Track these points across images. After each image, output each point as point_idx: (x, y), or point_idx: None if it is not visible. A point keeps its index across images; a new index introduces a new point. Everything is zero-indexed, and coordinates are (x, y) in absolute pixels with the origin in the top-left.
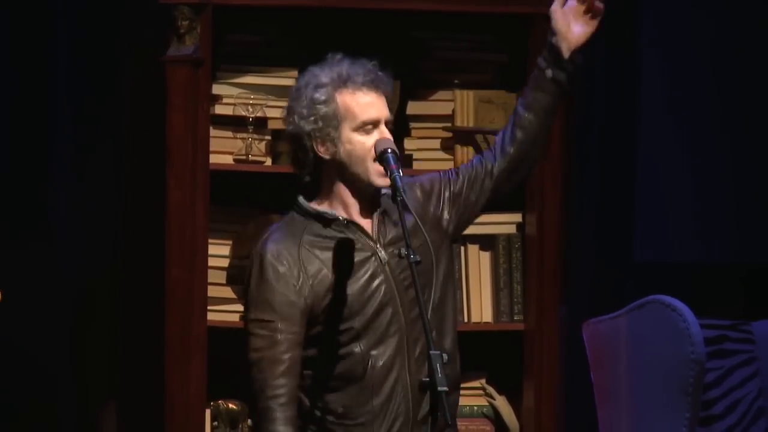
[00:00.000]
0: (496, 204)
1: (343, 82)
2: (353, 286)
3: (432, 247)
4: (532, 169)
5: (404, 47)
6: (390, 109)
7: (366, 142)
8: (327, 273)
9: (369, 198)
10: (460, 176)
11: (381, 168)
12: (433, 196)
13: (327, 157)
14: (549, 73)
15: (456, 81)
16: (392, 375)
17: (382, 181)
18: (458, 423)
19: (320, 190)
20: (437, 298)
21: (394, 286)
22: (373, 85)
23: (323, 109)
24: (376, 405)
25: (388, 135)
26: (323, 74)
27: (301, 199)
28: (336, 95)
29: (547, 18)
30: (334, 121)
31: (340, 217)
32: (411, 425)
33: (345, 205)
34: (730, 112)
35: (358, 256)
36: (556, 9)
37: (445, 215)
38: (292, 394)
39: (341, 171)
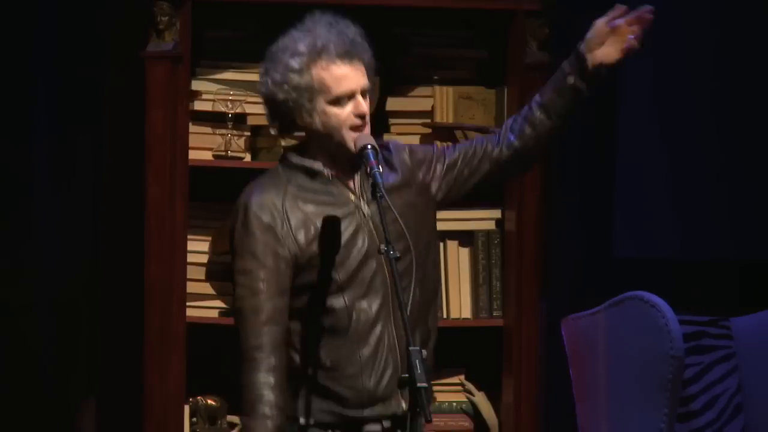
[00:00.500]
0: (475, 196)
1: (317, 53)
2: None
3: (415, 208)
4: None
5: (384, 43)
6: (369, 76)
7: (340, 113)
8: (310, 225)
9: (351, 159)
10: (457, 151)
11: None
12: (424, 164)
13: (302, 125)
14: (571, 79)
15: (435, 77)
16: (378, 327)
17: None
18: (437, 419)
19: (305, 147)
20: (420, 260)
21: (378, 240)
22: (348, 55)
23: (296, 78)
24: (363, 356)
25: (363, 107)
26: (300, 41)
27: (288, 152)
28: (311, 66)
29: (526, 13)
30: (307, 93)
31: (325, 171)
32: (401, 376)
33: (329, 163)
34: (711, 108)
35: (341, 211)
36: (601, 22)
37: (434, 184)
38: (275, 343)
39: (317, 138)
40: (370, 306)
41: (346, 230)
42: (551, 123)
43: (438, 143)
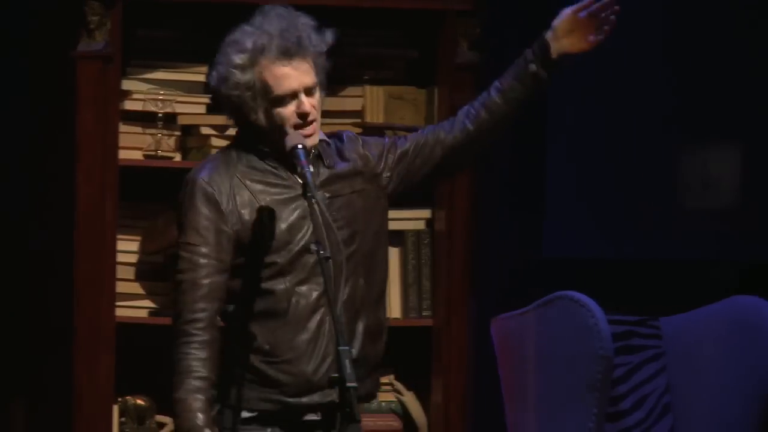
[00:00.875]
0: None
1: (259, 52)
2: (281, 223)
3: (365, 195)
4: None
5: None
6: (317, 72)
7: (283, 112)
8: (256, 204)
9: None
10: (409, 141)
11: (301, 131)
12: (375, 155)
13: (249, 120)
14: (533, 67)
15: (366, 77)
16: (317, 314)
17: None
18: (366, 419)
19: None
20: (367, 248)
21: (322, 230)
22: (290, 53)
23: (239, 75)
24: (301, 342)
25: (305, 106)
26: (248, 36)
27: (241, 133)
28: (253, 65)
29: (457, 13)
30: (249, 91)
31: (275, 153)
32: (331, 376)
33: (281, 156)
34: (639, 109)
35: (289, 193)
36: (568, 12)
37: (386, 173)
38: (210, 320)
39: (263, 134)
40: (311, 292)
41: (292, 214)
42: (508, 108)
43: (388, 137)
